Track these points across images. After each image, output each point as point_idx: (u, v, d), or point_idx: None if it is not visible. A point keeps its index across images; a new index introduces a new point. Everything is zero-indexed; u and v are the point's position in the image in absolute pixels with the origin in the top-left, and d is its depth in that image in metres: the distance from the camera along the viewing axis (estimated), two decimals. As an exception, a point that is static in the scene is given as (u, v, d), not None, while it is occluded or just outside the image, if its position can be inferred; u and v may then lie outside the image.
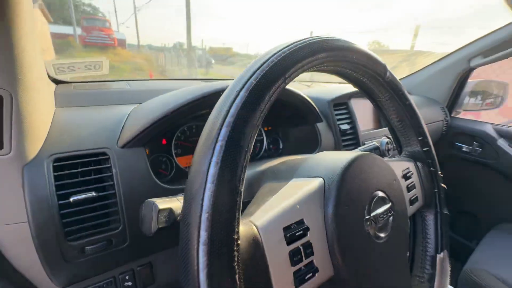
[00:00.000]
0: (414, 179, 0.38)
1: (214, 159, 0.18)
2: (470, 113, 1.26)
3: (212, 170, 0.17)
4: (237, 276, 0.17)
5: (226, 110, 0.19)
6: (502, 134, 1.06)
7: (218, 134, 0.18)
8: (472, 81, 1.16)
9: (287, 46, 0.23)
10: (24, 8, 0.28)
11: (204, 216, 0.17)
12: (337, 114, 0.70)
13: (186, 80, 0.76)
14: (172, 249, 0.47)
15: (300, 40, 0.24)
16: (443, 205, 0.39)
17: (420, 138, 0.39)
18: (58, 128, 0.38)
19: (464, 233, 1.18)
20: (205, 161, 0.18)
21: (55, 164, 0.34)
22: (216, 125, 0.19)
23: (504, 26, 0.93)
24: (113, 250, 0.37)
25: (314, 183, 0.26)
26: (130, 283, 0.42)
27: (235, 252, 0.17)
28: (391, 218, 0.29)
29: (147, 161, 0.40)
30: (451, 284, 0.71)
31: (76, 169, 0.35)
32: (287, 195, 0.25)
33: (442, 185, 0.40)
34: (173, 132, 0.52)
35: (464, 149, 1.15)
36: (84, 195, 0.34)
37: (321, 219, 0.25)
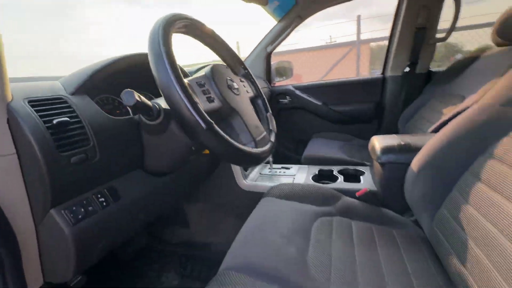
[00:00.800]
0: (246, 85, 0.78)
1: (167, 62, 0.45)
2: (280, 83, 2.00)
3: (168, 66, 0.45)
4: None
5: (157, 44, 0.46)
6: (296, 88, 1.81)
7: (160, 52, 0.46)
8: (273, 63, 1.86)
9: (169, 14, 0.53)
10: None
11: (175, 81, 0.44)
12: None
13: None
14: (130, 174, 0.64)
15: (174, 13, 0.55)
16: (262, 95, 0.82)
17: (242, 66, 0.80)
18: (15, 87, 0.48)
19: (301, 151, 1.88)
20: (162, 60, 0.45)
21: (29, 104, 0.45)
22: (157, 44, 0.46)
23: (274, 27, 1.63)
24: (89, 164, 0.52)
25: (201, 73, 0.58)
26: (102, 199, 0.56)
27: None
28: (238, 88, 0.66)
29: (93, 102, 0.57)
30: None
31: (46, 106, 0.48)
32: (191, 77, 0.55)
33: (258, 86, 0.83)
34: None
35: (284, 102, 1.85)
36: (61, 119, 0.47)
37: (209, 82, 0.57)
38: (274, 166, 1.20)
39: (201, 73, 0.57)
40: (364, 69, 4.42)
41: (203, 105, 0.51)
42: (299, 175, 1.11)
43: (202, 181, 1.07)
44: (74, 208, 0.51)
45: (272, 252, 0.56)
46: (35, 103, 0.47)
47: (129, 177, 0.64)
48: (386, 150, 0.89)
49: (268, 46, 1.69)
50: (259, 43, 1.72)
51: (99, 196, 0.56)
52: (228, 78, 0.64)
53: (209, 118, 0.46)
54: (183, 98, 0.44)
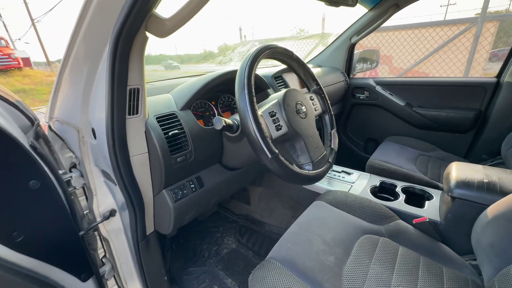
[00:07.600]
0: (316, 101, 0.83)
1: (247, 94, 0.56)
2: (359, 74, 1.87)
3: (247, 98, 0.57)
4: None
5: (243, 75, 0.58)
6: (378, 83, 1.67)
7: (244, 84, 0.57)
8: (357, 52, 1.74)
9: (258, 48, 0.63)
10: None
11: (251, 113, 0.56)
12: (277, 83, 1.14)
13: (184, 77, 1.09)
14: (211, 167, 0.83)
15: (263, 45, 0.64)
16: (331, 111, 0.85)
17: (315, 82, 0.84)
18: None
19: (370, 151, 1.80)
20: (244, 95, 0.57)
21: (156, 119, 0.67)
22: (242, 82, 0.57)
23: (362, 16, 1.50)
24: (187, 162, 0.72)
25: (275, 101, 0.67)
26: (193, 185, 0.78)
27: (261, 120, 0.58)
28: (305, 111, 0.72)
29: (193, 115, 0.76)
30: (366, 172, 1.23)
31: (165, 121, 0.68)
32: (265, 104, 0.66)
33: (328, 102, 0.86)
34: (217, 99, 0.90)
35: (360, 97, 1.75)
36: (174, 131, 0.68)
37: (280, 110, 0.66)
38: (337, 168, 1.23)
39: (274, 100, 0.67)
40: (481, 53, 3.46)
41: (272, 133, 0.62)
42: (358, 183, 1.12)
43: (267, 172, 1.23)
44: (175, 190, 0.73)
45: (313, 255, 0.66)
46: (159, 118, 0.68)
47: (210, 170, 0.84)
48: (462, 184, 0.81)
49: (353, 36, 1.58)
50: (343, 33, 1.62)
51: (190, 183, 0.77)
52: (299, 101, 0.71)
53: (274, 149, 0.57)
54: (255, 130, 0.56)
